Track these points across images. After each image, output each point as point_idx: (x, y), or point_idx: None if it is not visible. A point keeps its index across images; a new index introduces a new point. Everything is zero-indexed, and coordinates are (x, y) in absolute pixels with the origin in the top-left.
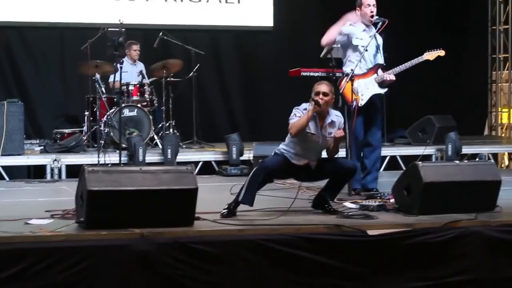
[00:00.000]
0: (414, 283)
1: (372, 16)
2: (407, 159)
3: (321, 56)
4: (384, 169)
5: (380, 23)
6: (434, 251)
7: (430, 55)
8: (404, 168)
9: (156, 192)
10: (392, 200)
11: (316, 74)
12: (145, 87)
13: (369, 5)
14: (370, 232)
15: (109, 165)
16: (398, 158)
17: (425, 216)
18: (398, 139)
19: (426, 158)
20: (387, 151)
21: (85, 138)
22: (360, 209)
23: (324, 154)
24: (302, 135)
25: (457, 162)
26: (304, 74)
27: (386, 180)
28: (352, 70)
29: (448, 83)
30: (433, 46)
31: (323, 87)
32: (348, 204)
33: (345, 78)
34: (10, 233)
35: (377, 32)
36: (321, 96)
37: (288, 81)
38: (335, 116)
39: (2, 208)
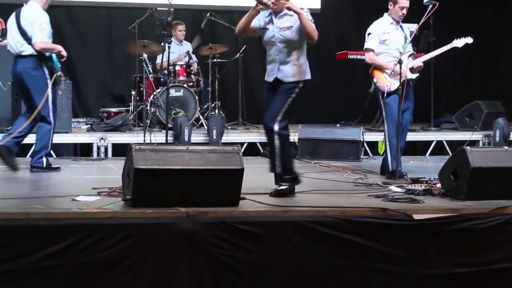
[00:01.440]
0: (459, 269)
1: (401, 16)
2: (453, 144)
3: None
4: (430, 154)
5: (431, 6)
6: (480, 237)
7: (459, 42)
8: (450, 153)
9: (202, 172)
10: (438, 185)
11: (363, 57)
12: (192, 67)
13: (404, 7)
14: (416, 216)
15: (155, 144)
16: (445, 143)
17: (472, 202)
18: (445, 124)
19: (473, 143)
20: (434, 136)
21: (131, 117)
22: (406, 193)
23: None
24: (265, 44)
25: (506, 148)
26: (351, 57)
27: (433, 165)
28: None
29: (496, 68)
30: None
31: None
32: (394, 187)
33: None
34: (58, 209)
35: (426, 15)
36: None
37: (334, 64)
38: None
39: (49, 185)
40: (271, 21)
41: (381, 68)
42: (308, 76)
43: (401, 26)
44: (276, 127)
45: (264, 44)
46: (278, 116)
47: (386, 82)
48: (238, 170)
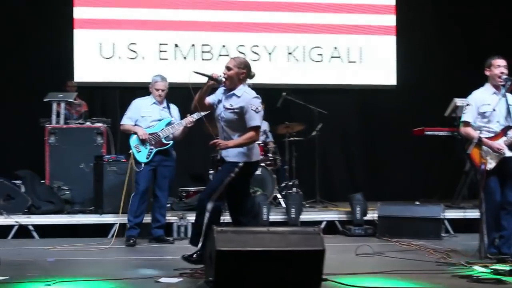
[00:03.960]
0: None
1: (500, 77)
2: None
3: (446, 114)
4: None
5: (510, 83)
6: None
7: None
8: None
9: (283, 253)
10: None
11: (440, 134)
12: (269, 146)
13: (499, 65)
14: None
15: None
16: None
17: None
18: None
19: None
20: None
21: None
22: (492, 273)
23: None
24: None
25: None
26: (428, 133)
27: None
28: (479, 135)
29: None
30: None
31: (228, 62)
32: (478, 267)
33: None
34: None
35: (506, 91)
36: (224, 71)
37: (411, 140)
38: (244, 92)
39: (131, 266)
40: (222, 98)
41: (478, 144)
42: (251, 159)
43: (505, 96)
44: (209, 206)
45: (216, 120)
46: (214, 195)
47: (482, 160)
48: (320, 251)
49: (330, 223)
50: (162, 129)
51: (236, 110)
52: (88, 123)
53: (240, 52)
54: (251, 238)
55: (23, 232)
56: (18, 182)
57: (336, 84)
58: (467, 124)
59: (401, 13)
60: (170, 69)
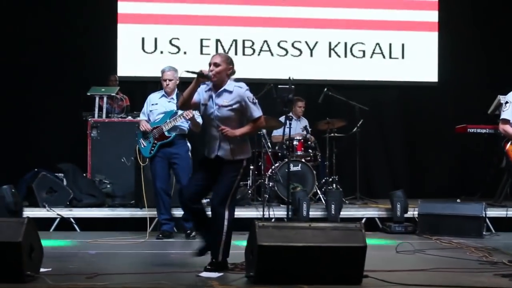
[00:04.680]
0: None
1: None
2: None
3: (489, 112)
4: None
5: None
6: None
7: None
8: None
9: (324, 249)
10: None
11: (483, 131)
12: (309, 142)
13: None
14: None
15: (273, 219)
16: None
17: None
18: None
19: None
20: None
21: (250, 191)
22: None
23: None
24: (205, 119)
25: None
26: (471, 130)
27: None
28: None
29: None
30: None
31: (213, 58)
32: None
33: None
34: (184, 285)
35: None
36: (211, 67)
37: (453, 137)
38: (234, 86)
39: (173, 259)
40: (210, 96)
41: None
42: (249, 153)
43: None
44: (226, 213)
45: (204, 119)
46: (228, 200)
47: None
48: (361, 248)
49: (370, 220)
50: (165, 122)
51: (234, 106)
52: (129, 117)
53: (282, 48)
54: (293, 233)
55: (64, 224)
56: (61, 175)
57: (378, 80)
58: (506, 122)
59: (444, 9)
60: None
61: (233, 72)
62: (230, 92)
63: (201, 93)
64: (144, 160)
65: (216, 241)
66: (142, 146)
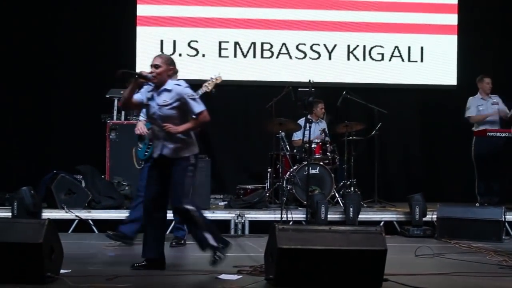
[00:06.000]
0: None
1: None
2: None
3: (508, 116)
4: None
5: None
6: None
7: None
8: None
9: (345, 252)
10: None
11: (503, 135)
12: (327, 145)
13: None
14: None
15: (291, 222)
16: None
17: None
18: None
19: None
20: None
21: (267, 194)
22: None
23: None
24: (149, 119)
25: None
26: (490, 134)
27: None
28: None
29: None
30: None
31: (154, 60)
32: None
33: None
34: None
35: None
36: (152, 69)
37: (472, 141)
38: (173, 85)
39: (192, 261)
40: (152, 96)
41: None
42: (196, 150)
43: None
44: (190, 207)
45: (148, 119)
46: (185, 198)
47: None
48: (381, 251)
49: (388, 223)
50: None
51: (174, 104)
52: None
53: (301, 51)
54: (313, 236)
55: (83, 226)
56: (79, 177)
57: (397, 83)
58: None
59: (463, 12)
60: (230, 66)
61: (175, 73)
62: (170, 91)
63: (144, 93)
64: (140, 162)
65: (201, 234)
66: (138, 148)
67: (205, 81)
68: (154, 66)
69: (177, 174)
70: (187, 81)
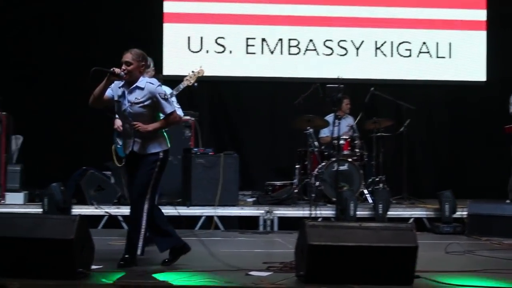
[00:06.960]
0: None
1: None
2: None
3: None
4: None
5: None
6: None
7: None
8: None
9: (376, 249)
10: None
11: None
12: (355, 142)
13: None
14: None
15: (320, 219)
16: None
17: None
18: None
19: None
20: None
21: (296, 191)
22: None
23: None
24: (119, 116)
25: None
26: None
27: None
28: None
29: None
30: None
31: (125, 57)
32: None
33: None
34: (235, 284)
35: None
36: (123, 66)
37: (501, 137)
38: (146, 83)
39: (221, 258)
40: (123, 93)
41: None
42: (166, 146)
43: None
44: (146, 206)
45: (118, 115)
46: (147, 194)
47: None
48: (413, 248)
49: (418, 220)
50: None
51: (146, 103)
52: None
53: (328, 47)
54: (344, 233)
55: (112, 222)
56: (108, 173)
57: (425, 79)
58: None
59: (492, 8)
60: (257, 63)
61: (147, 68)
62: (142, 89)
63: (114, 89)
64: (121, 160)
65: (136, 236)
66: (118, 145)
67: (233, 78)
68: (125, 63)
69: (142, 169)
70: (212, 77)
